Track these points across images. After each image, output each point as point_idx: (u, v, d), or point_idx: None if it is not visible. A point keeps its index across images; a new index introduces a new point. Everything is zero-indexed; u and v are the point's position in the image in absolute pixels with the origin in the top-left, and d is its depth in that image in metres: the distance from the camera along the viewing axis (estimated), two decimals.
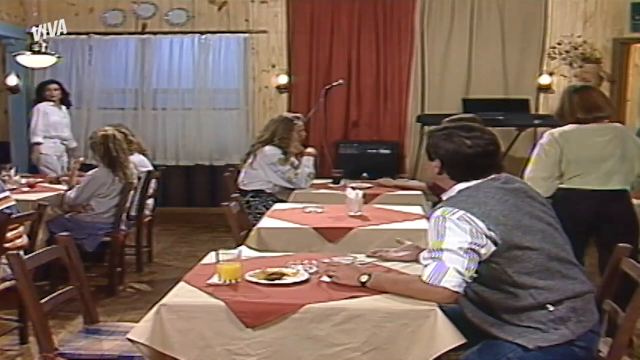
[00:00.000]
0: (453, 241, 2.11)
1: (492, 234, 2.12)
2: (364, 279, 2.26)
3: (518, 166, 4.76)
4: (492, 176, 2.29)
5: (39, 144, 6.53)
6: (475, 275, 2.13)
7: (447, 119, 4.63)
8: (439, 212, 2.19)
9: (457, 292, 2.09)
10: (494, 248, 2.13)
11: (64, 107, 6.80)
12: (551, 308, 2.13)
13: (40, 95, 6.67)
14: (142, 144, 5.62)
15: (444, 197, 2.36)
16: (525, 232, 2.17)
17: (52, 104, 6.63)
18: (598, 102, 3.67)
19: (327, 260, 2.51)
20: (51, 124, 6.55)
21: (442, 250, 2.11)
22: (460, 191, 2.28)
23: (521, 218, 2.19)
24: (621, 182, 3.59)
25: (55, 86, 6.70)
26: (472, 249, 2.10)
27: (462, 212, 2.14)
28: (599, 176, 3.56)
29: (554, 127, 3.71)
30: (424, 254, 2.25)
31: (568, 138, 3.62)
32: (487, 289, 2.19)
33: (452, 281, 2.08)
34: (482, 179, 2.27)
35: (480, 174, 2.28)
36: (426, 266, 2.15)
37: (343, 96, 7.22)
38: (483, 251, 2.12)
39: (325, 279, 2.37)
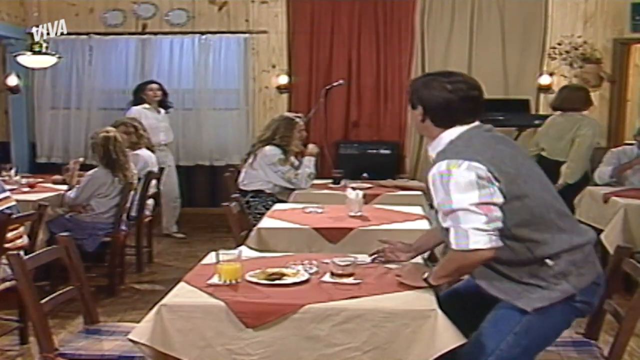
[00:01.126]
0: (462, 198, 2.05)
1: (497, 183, 2.07)
2: (426, 275, 2.26)
3: None
4: (476, 123, 2.25)
5: None
6: (501, 226, 2.06)
7: None
8: (443, 166, 2.11)
9: (491, 248, 2.04)
10: (502, 196, 2.07)
11: (162, 110, 6.48)
12: (550, 263, 2.10)
13: (138, 96, 6.38)
14: (151, 139, 5.60)
15: (430, 149, 2.30)
16: (526, 180, 2.14)
17: (148, 106, 6.32)
18: (572, 97, 5.28)
19: (397, 264, 2.51)
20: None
21: (454, 210, 2.07)
22: (452, 141, 2.21)
23: (519, 165, 2.17)
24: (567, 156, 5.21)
25: (156, 86, 6.41)
26: (484, 202, 2.04)
27: (467, 162, 2.08)
28: (556, 149, 5.27)
29: None
30: (437, 214, 2.20)
31: (544, 122, 5.60)
32: None
33: (479, 240, 2.04)
34: (465, 125, 2.23)
35: (463, 119, 2.23)
36: (448, 231, 2.12)
37: (343, 96, 7.21)
38: (495, 198, 2.06)
39: (325, 278, 2.36)
